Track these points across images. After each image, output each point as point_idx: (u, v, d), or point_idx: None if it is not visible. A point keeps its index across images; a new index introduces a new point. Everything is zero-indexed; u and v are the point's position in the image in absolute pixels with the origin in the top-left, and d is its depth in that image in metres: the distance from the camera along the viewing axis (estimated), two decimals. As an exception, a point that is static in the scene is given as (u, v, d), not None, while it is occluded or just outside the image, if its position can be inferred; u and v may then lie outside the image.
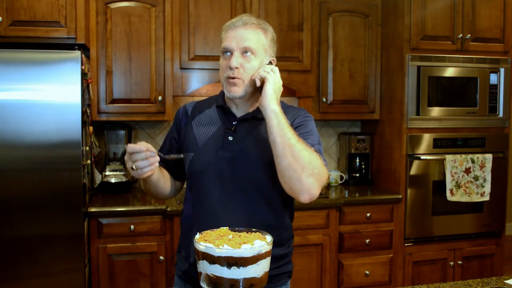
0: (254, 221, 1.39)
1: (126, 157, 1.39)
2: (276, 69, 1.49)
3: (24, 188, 2.50)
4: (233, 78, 1.49)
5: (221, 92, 1.62)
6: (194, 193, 1.58)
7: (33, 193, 2.51)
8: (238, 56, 1.49)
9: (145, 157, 1.36)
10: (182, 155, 1.51)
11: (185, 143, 1.62)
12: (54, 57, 2.49)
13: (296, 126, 1.52)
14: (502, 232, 3.43)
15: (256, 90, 1.52)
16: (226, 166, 1.51)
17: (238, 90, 1.50)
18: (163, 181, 1.62)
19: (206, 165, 1.53)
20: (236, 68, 1.48)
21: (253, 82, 1.49)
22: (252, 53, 1.50)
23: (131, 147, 1.36)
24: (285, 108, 1.60)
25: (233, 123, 1.56)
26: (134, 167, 1.37)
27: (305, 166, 1.35)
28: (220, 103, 1.61)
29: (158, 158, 1.40)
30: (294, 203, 1.64)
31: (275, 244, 1.36)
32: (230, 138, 1.54)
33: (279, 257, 1.54)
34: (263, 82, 1.45)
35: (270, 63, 1.55)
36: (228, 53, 1.51)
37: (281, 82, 1.48)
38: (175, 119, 1.70)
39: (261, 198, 1.51)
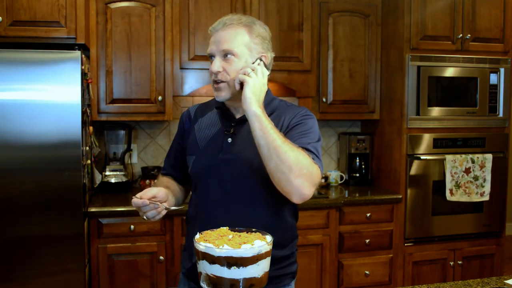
0: (255, 222, 1.38)
1: (134, 207, 1.46)
2: (258, 68, 1.46)
3: (24, 188, 2.50)
4: (217, 82, 1.49)
5: None
6: (197, 195, 1.60)
7: (33, 193, 2.50)
8: (219, 60, 1.48)
9: (150, 209, 1.43)
10: (182, 206, 1.61)
11: (188, 146, 1.63)
12: (54, 57, 2.49)
13: (294, 125, 1.51)
14: (502, 232, 3.43)
15: None
16: (225, 168, 1.52)
17: (223, 94, 1.50)
18: (175, 201, 1.64)
19: (207, 168, 1.55)
20: (219, 72, 1.48)
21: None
22: (233, 55, 1.48)
23: (135, 202, 1.42)
24: (286, 107, 1.59)
25: (232, 124, 1.56)
26: (145, 218, 1.46)
27: (292, 167, 1.33)
28: (219, 104, 1.60)
29: (164, 206, 1.46)
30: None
31: (277, 245, 1.35)
32: (229, 140, 1.54)
33: (282, 259, 1.54)
34: (243, 84, 1.43)
35: (260, 59, 1.51)
36: (213, 58, 1.51)
37: (263, 81, 1.46)
38: (179, 124, 1.73)
39: (261, 200, 1.51)
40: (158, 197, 1.45)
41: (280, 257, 1.53)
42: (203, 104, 1.72)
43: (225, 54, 1.48)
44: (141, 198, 1.42)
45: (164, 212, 1.46)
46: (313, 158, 1.41)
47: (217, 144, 1.55)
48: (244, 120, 1.55)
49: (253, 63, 1.49)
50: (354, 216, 3.13)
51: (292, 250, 1.61)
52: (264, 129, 1.36)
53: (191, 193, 1.68)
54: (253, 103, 1.39)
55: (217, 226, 1.29)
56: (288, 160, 1.33)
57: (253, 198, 1.51)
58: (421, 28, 3.19)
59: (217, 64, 1.48)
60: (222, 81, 1.49)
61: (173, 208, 1.54)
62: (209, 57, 1.53)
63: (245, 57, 1.49)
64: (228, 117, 1.59)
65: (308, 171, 1.36)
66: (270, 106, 1.56)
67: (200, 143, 1.59)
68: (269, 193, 1.49)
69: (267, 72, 1.50)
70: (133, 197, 1.43)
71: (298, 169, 1.34)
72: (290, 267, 1.60)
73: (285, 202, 1.52)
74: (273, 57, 1.59)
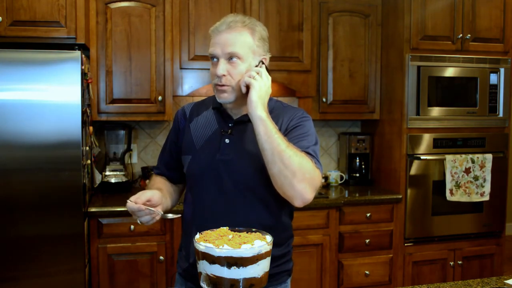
0: (252, 222, 1.39)
1: (129, 210, 1.44)
2: (263, 71, 1.46)
3: (24, 188, 2.49)
4: (221, 85, 1.47)
5: None
6: (193, 195, 1.60)
7: (33, 193, 2.50)
8: (224, 63, 1.46)
9: (144, 214, 1.42)
10: (179, 215, 1.53)
11: (183, 145, 1.62)
12: (54, 57, 2.49)
13: (292, 128, 1.52)
14: (502, 232, 3.44)
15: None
16: (222, 169, 1.51)
17: (227, 96, 1.49)
18: (169, 203, 1.63)
19: (203, 168, 1.54)
20: (224, 75, 1.46)
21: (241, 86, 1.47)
22: (238, 58, 1.46)
23: (130, 207, 1.41)
24: (283, 108, 1.60)
25: (229, 125, 1.56)
26: (139, 222, 1.44)
27: (296, 172, 1.34)
28: (216, 105, 1.59)
29: (158, 212, 1.44)
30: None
31: (274, 244, 1.36)
32: (227, 140, 1.54)
33: (278, 257, 1.55)
34: (249, 87, 1.42)
35: (262, 62, 1.51)
36: (215, 59, 1.49)
37: (268, 85, 1.45)
38: (174, 122, 1.70)
39: (258, 200, 1.51)
40: (153, 200, 1.44)
41: (277, 256, 1.53)
42: (199, 102, 1.70)
43: (230, 57, 1.46)
44: (136, 202, 1.40)
45: (158, 217, 1.45)
46: (314, 163, 1.42)
47: (214, 145, 1.55)
48: (241, 121, 1.55)
49: (256, 66, 1.49)
50: (354, 216, 3.13)
51: (288, 249, 1.62)
52: (269, 133, 1.36)
53: (185, 192, 1.67)
54: (258, 107, 1.39)
55: (213, 226, 1.29)
56: (292, 165, 1.34)
57: (250, 198, 1.51)
58: (421, 28, 3.19)
59: (222, 67, 1.46)
60: (225, 85, 1.47)
61: (169, 217, 1.48)
62: (210, 58, 1.51)
63: (249, 60, 1.48)
64: (225, 117, 1.58)
65: (311, 176, 1.37)
66: (268, 107, 1.55)
67: (196, 143, 1.58)
68: (266, 194, 1.50)
69: (269, 75, 1.50)
70: (127, 201, 1.41)
71: (301, 174, 1.35)
72: (286, 264, 1.61)
73: (282, 203, 1.52)
74: (273, 57, 1.59)
